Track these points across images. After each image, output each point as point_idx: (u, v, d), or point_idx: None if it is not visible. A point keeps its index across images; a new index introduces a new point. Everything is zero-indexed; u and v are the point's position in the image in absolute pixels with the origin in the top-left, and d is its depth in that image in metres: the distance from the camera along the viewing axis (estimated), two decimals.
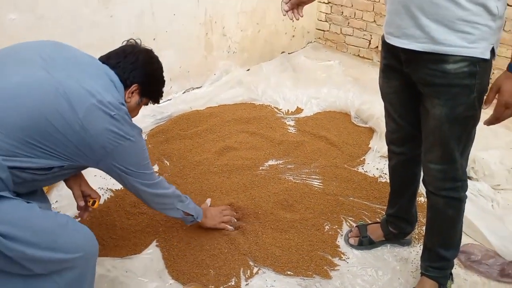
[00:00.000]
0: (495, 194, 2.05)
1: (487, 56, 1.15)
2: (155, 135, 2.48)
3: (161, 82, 1.49)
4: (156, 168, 2.22)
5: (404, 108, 1.44)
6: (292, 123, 2.66)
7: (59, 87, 1.15)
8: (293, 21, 1.52)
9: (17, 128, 1.10)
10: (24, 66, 1.17)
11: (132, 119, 1.35)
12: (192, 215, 1.67)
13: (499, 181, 2.12)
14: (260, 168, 2.23)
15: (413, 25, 1.18)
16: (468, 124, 1.26)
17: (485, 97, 1.22)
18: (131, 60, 1.37)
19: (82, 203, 1.51)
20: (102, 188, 2.05)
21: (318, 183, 2.12)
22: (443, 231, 1.48)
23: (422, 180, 1.46)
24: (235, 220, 1.86)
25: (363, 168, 2.25)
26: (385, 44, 1.35)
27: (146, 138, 2.46)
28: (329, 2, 3.63)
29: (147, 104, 1.50)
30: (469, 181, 2.06)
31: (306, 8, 3.74)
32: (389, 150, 1.62)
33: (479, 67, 1.16)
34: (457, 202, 1.41)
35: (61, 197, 1.99)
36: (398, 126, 1.50)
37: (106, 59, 1.35)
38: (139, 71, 1.37)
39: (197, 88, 3.01)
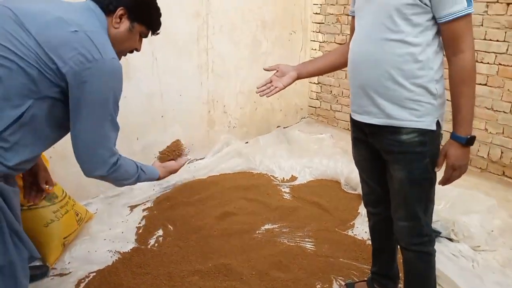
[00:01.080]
0: (475, 255, 2.19)
1: (433, 127, 1.38)
2: (161, 202, 2.69)
3: (153, 6, 1.36)
4: (160, 232, 2.40)
5: (373, 173, 1.65)
6: (287, 190, 2.88)
7: (9, 13, 1.12)
8: (264, 95, 1.68)
9: None
10: None
11: (131, 53, 1.34)
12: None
13: (478, 242, 2.28)
14: (257, 231, 2.40)
15: (371, 104, 1.43)
16: (425, 185, 1.45)
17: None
18: None
19: (44, 186, 1.55)
20: (110, 251, 2.22)
21: (310, 246, 2.29)
22: (417, 284, 1.61)
23: (396, 237, 1.63)
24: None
25: (352, 232, 2.42)
26: (352, 120, 1.60)
27: (152, 205, 2.67)
28: (319, 83, 4.03)
29: (145, 35, 1.38)
30: (450, 242, 2.26)
31: (299, 87, 4.20)
32: (367, 211, 1.82)
33: (428, 136, 1.39)
34: (427, 256, 1.55)
35: (73, 259, 2.15)
36: (371, 189, 1.70)
37: None
38: None
39: (200, 159, 3.27)
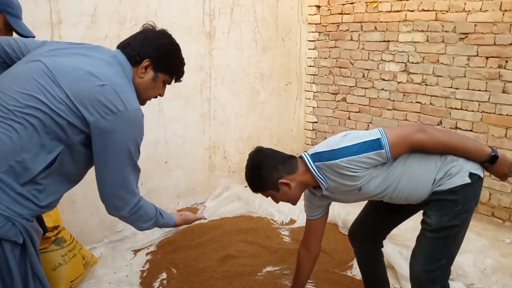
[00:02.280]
0: None
1: (467, 181, 1.50)
2: (164, 246, 2.76)
3: (176, 56, 1.44)
4: (164, 275, 2.46)
5: (385, 215, 1.80)
6: (286, 232, 2.96)
7: (44, 68, 1.22)
8: None
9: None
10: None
11: (150, 100, 1.43)
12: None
13: (472, 280, 2.35)
14: (259, 274, 2.46)
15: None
16: (452, 232, 1.53)
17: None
18: (141, 37, 1.37)
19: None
20: None
21: (311, 286, 2.35)
22: None
23: (410, 277, 1.65)
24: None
25: (351, 272, 2.50)
26: None
27: (155, 249, 2.74)
28: (313, 129, 4.22)
29: (169, 82, 1.46)
30: None
31: (295, 134, 4.37)
32: (354, 247, 1.93)
33: (459, 187, 1.50)
34: None
35: None
36: (366, 220, 1.85)
37: (118, 46, 1.39)
38: (149, 46, 1.35)
39: (201, 203, 3.36)
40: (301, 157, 1.60)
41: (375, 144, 1.46)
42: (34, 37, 1.55)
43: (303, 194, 1.73)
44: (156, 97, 1.47)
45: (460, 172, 1.51)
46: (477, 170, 1.53)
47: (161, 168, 3.07)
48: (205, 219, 1.82)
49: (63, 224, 2.29)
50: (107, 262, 2.56)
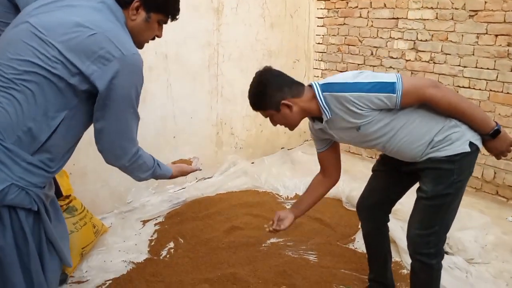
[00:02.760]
0: (469, 267, 2.32)
1: (466, 149, 1.52)
2: (171, 217, 2.85)
3: None
4: (172, 244, 2.55)
5: (385, 182, 1.83)
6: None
7: (32, 29, 1.18)
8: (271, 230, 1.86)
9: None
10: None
11: (148, 43, 1.38)
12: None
13: (472, 255, 2.40)
14: (263, 245, 2.54)
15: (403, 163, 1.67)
16: (445, 200, 1.57)
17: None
18: None
19: None
20: (125, 261, 2.36)
21: (313, 258, 2.42)
22: None
23: (407, 245, 1.73)
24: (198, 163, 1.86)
25: (353, 245, 2.56)
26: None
27: (163, 220, 2.83)
28: None
29: (165, 22, 1.39)
30: (445, 255, 2.37)
31: None
32: (360, 218, 1.98)
33: (459, 156, 1.53)
34: (429, 269, 1.66)
35: (90, 268, 2.30)
36: (371, 193, 1.88)
37: None
38: None
39: (208, 178, 3.44)
40: (310, 85, 1.59)
41: (388, 87, 1.46)
42: None
43: (309, 126, 1.75)
44: (153, 38, 1.42)
45: (460, 139, 1.53)
46: (477, 140, 1.56)
47: (170, 143, 3.13)
48: (200, 169, 1.80)
49: (74, 194, 2.39)
50: (117, 231, 2.66)
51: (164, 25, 1.40)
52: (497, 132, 1.54)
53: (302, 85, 1.62)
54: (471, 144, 1.54)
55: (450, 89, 1.56)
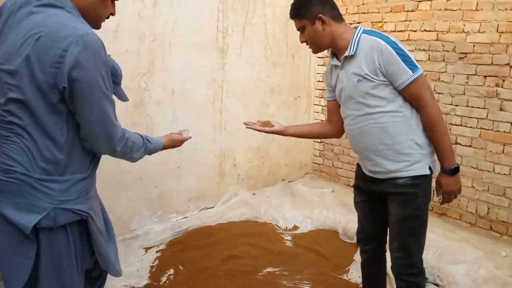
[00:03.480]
0: None
1: (426, 172, 1.68)
2: (173, 245, 2.96)
3: None
4: (172, 271, 2.64)
5: (370, 213, 1.93)
6: (289, 237, 3.13)
7: None
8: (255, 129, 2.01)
9: None
10: None
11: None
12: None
13: None
14: (259, 273, 2.63)
15: (373, 164, 1.75)
16: (417, 221, 1.71)
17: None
18: None
19: None
20: (126, 286, 2.46)
21: (308, 287, 2.50)
22: None
23: (391, 267, 1.85)
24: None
25: (347, 276, 2.63)
26: (358, 168, 1.91)
27: (165, 247, 2.94)
28: (321, 142, 4.39)
29: None
30: (435, 287, 2.44)
31: (303, 145, 4.54)
32: (360, 249, 2.08)
33: (421, 180, 1.68)
34: (415, 286, 1.78)
35: None
36: (363, 228, 1.99)
37: None
38: None
39: (210, 208, 3.56)
40: (355, 27, 1.72)
41: (413, 68, 1.58)
42: (128, 100, 1.71)
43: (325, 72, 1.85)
44: (108, 17, 1.42)
45: (421, 162, 1.67)
46: (433, 167, 1.71)
47: (174, 173, 3.28)
48: (190, 137, 1.83)
49: None
50: (120, 258, 2.75)
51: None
52: (457, 170, 1.68)
53: (343, 18, 1.74)
54: (430, 168, 1.69)
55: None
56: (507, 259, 2.87)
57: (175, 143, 1.74)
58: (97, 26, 1.38)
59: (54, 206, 1.27)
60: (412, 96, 1.64)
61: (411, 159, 1.67)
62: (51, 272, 1.32)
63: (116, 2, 1.41)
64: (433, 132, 1.65)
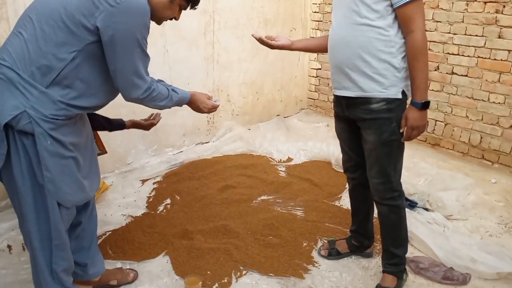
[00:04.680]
0: (447, 222, 2.45)
1: (399, 96, 1.67)
2: (169, 177, 3.01)
3: None
4: (168, 201, 2.72)
5: (351, 142, 1.94)
6: (283, 169, 3.18)
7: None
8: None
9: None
10: None
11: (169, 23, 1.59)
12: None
13: (451, 212, 2.54)
14: (254, 201, 2.70)
15: (347, 80, 1.72)
16: (393, 146, 1.73)
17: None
18: None
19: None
20: (124, 215, 2.53)
21: (300, 213, 2.58)
22: (391, 233, 1.90)
23: (372, 194, 1.91)
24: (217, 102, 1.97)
25: (339, 203, 2.71)
26: (334, 96, 1.90)
27: (161, 179, 2.99)
28: (317, 76, 4.33)
29: (184, 8, 1.55)
30: (425, 212, 2.52)
31: (299, 81, 4.48)
32: (347, 177, 2.12)
33: (394, 104, 1.67)
34: (397, 209, 1.84)
35: None
36: (349, 157, 2.00)
37: None
38: None
39: (205, 143, 3.59)
40: None
41: None
42: None
43: None
44: (171, 19, 1.57)
45: (396, 86, 1.65)
46: (408, 91, 1.69)
47: None
48: (218, 105, 1.94)
49: None
50: (117, 189, 2.83)
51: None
52: (427, 105, 1.65)
53: None
54: (403, 93, 1.67)
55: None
56: (496, 186, 2.94)
57: (202, 104, 1.85)
58: (158, 23, 1.55)
59: (27, 110, 1.31)
60: (405, 18, 1.58)
61: (386, 81, 1.65)
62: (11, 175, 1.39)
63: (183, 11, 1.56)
64: (414, 61, 1.61)
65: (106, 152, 2.21)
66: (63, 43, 1.33)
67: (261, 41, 1.96)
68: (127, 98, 1.52)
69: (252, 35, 1.97)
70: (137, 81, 1.46)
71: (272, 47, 1.98)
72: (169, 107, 1.66)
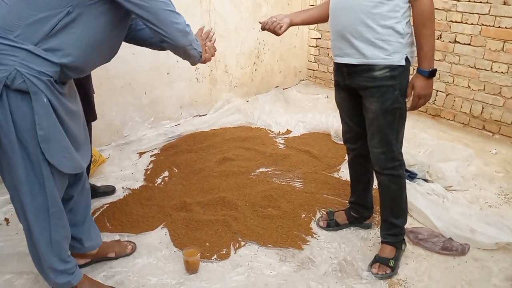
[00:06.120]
0: (446, 193, 2.44)
1: (402, 63, 1.62)
2: (167, 150, 2.98)
3: None
4: (166, 173, 2.69)
5: (351, 112, 1.90)
6: (282, 141, 3.14)
7: None
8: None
9: None
10: None
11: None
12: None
13: (451, 183, 2.52)
14: (252, 173, 2.68)
15: (348, 46, 1.67)
16: (396, 114, 1.69)
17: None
18: None
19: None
20: (122, 187, 2.52)
21: (299, 185, 2.56)
22: (390, 203, 1.87)
23: (372, 163, 1.88)
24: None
25: (338, 174, 2.69)
26: (335, 64, 1.84)
27: (159, 152, 2.96)
28: (317, 46, 4.23)
29: None
30: (425, 183, 2.50)
31: (298, 51, 4.39)
32: (346, 148, 2.09)
33: (398, 71, 1.63)
34: (397, 179, 1.81)
35: None
36: (349, 127, 1.96)
37: None
38: None
39: (203, 115, 3.54)
40: None
41: None
42: None
43: None
44: None
45: (400, 52, 1.60)
46: (412, 58, 1.65)
47: (163, 78, 3.20)
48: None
49: None
50: (114, 162, 2.81)
51: None
52: (434, 73, 1.61)
53: None
54: (407, 60, 1.62)
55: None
56: (496, 156, 2.92)
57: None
58: None
59: (17, 67, 1.26)
60: None
61: (389, 47, 1.59)
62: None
63: None
64: (422, 28, 1.56)
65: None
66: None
67: (269, 28, 1.90)
68: (180, 43, 1.50)
69: (260, 22, 1.94)
70: (178, 18, 1.45)
71: (278, 35, 1.92)
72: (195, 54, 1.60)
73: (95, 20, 1.34)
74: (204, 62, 1.77)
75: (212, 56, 1.85)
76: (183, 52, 1.57)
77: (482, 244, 2.03)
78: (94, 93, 2.19)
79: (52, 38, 1.29)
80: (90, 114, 2.14)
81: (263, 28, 1.94)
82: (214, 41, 1.85)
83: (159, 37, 1.45)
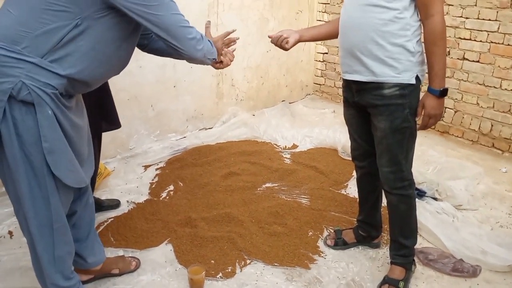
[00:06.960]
0: (456, 212, 2.40)
1: (413, 82, 1.60)
2: (172, 163, 2.95)
3: None
4: (171, 187, 2.66)
5: (360, 129, 1.87)
6: (288, 156, 3.12)
7: None
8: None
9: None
10: None
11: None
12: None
13: (461, 202, 2.47)
14: (258, 189, 2.65)
15: (358, 64, 1.65)
16: (405, 133, 1.66)
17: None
18: None
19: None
20: (126, 201, 2.49)
21: (306, 201, 2.52)
22: (400, 223, 1.83)
23: (379, 188, 1.85)
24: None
25: (345, 191, 2.65)
26: (343, 81, 1.83)
27: (164, 165, 2.94)
28: (324, 61, 4.23)
29: None
30: (434, 201, 2.46)
31: (305, 65, 4.40)
32: (355, 166, 2.05)
33: (408, 90, 1.60)
34: (407, 199, 1.77)
35: None
36: (358, 145, 1.93)
37: None
38: None
39: (209, 128, 3.52)
40: None
41: None
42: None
43: None
44: None
45: (410, 71, 1.58)
46: (422, 77, 1.63)
47: (170, 92, 3.19)
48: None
49: None
50: (119, 175, 2.78)
51: None
52: (445, 93, 1.59)
53: None
54: (417, 78, 1.60)
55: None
56: (507, 175, 2.87)
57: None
58: None
59: (22, 79, 1.24)
60: (423, 1, 1.51)
61: (400, 66, 1.57)
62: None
63: None
64: (434, 46, 1.54)
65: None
66: (63, 11, 1.25)
67: (276, 43, 1.90)
68: (195, 57, 1.50)
69: (269, 36, 1.94)
70: (189, 29, 1.43)
71: (286, 49, 1.91)
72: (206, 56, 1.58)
73: (104, 33, 1.33)
74: (221, 67, 1.81)
75: (231, 60, 1.86)
76: (198, 62, 1.59)
77: (494, 266, 1.97)
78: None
79: (60, 50, 1.28)
80: (113, 121, 2.20)
81: (272, 42, 1.93)
82: (234, 50, 1.85)
83: (172, 50, 1.46)
